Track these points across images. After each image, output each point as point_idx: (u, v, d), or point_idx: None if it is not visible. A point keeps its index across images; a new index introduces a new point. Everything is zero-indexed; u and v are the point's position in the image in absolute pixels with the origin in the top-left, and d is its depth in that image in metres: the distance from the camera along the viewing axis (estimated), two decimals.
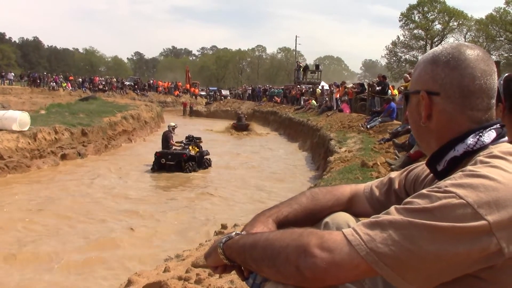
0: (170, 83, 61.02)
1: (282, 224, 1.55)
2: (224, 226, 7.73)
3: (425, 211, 1.11)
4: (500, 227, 1.08)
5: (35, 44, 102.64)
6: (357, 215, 1.60)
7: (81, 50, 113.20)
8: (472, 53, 1.30)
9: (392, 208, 1.17)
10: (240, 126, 32.29)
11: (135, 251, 8.54)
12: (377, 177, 6.59)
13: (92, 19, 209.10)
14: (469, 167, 1.18)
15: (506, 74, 2.55)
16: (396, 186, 1.59)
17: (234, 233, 1.41)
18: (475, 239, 1.07)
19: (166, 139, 17.24)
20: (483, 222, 1.07)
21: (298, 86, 41.88)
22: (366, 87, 22.82)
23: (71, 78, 54.84)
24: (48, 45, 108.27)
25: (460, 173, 1.17)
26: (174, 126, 17.88)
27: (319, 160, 17.21)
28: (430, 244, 1.08)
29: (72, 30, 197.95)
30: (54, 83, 48.58)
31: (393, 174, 1.66)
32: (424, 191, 1.17)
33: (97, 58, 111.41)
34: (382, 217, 1.16)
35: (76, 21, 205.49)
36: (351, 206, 1.64)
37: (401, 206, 1.16)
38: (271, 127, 34.58)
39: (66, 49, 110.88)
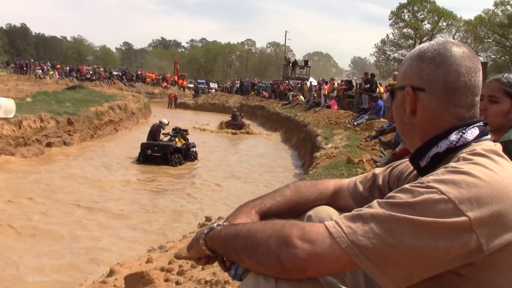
0: (158, 75, 60.68)
1: (265, 215, 1.55)
2: (208, 219, 7.75)
3: (407, 205, 1.12)
4: (480, 224, 1.09)
5: (23, 31, 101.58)
6: (340, 209, 1.60)
7: (69, 39, 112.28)
8: (458, 50, 1.30)
9: (375, 202, 1.18)
10: (234, 126, 28.79)
11: (118, 241, 8.51)
12: (362, 174, 6.62)
13: (81, 8, 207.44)
14: (452, 164, 1.20)
15: (501, 75, 2.57)
16: (380, 182, 1.59)
17: (216, 224, 1.40)
18: (455, 235, 1.09)
19: (156, 131, 17.14)
20: (463, 218, 1.08)
21: (287, 81, 41.89)
22: (354, 84, 22.91)
23: (58, 66, 54.28)
24: (35, 32, 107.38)
25: (443, 169, 1.18)
26: (166, 124, 17.86)
27: (305, 155, 17.25)
28: (411, 238, 1.09)
29: (61, 18, 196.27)
30: (41, 71, 48.07)
31: (377, 170, 1.66)
32: (406, 186, 1.18)
33: (85, 47, 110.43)
34: (365, 210, 1.17)
35: (65, 9, 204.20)
36: (335, 200, 1.64)
37: (384, 200, 1.17)
38: (258, 121, 34.41)
39: (54, 37, 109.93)
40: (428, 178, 1.17)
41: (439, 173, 1.17)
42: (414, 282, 1.15)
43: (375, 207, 1.16)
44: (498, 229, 1.11)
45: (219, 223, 1.41)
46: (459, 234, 1.08)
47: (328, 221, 1.21)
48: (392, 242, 1.10)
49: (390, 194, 1.19)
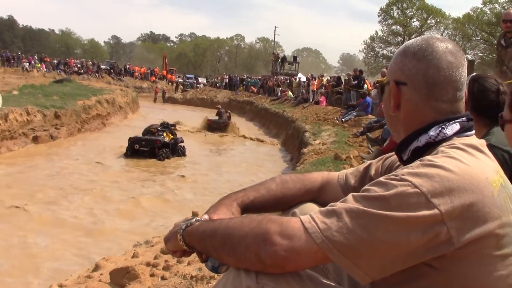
0: (146, 69, 60.41)
1: (247, 208, 1.55)
2: (195, 214, 7.71)
3: (381, 199, 1.14)
4: (451, 217, 1.11)
5: (10, 23, 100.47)
6: (329, 203, 1.59)
7: (57, 31, 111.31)
8: (440, 45, 1.32)
9: (350, 196, 1.19)
10: (217, 125, 25.06)
11: (104, 236, 8.48)
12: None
13: (70, 0, 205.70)
14: (428, 157, 1.21)
15: (473, 74, 2.58)
16: (373, 172, 1.60)
17: (194, 219, 1.40)
18: (427, 228, 1.11)
19: (150, 127, 17.27)
20: (435, 211, 1.10)
21: (276, 77, 41.86)
22: (343, 80, 22.97)
23: (46, 59, 53.72)
24: (23, 25, 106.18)
25: (418, 162, 1.20)
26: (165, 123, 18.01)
27: (293, 151, 17.28)
28: (384, 233, 1.11)
29: (49, 11, 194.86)
30: (28, 64, 47.64)
31: (371, 161, 1.67)
32: (381, 178, 1.20)
33: (73, 40, 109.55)
34: (339, 205, 1.18)
35: (52, 1, 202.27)
36: (322, 194, 1.63)
37: (359, 193, 1.19)
38: (247, 117, 34.33)
39: (41, 30, 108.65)
40: (403, 170, 1.19)
41: (414, 166, 1.19)
42: (387, 274, 1.16)
43: (350, 202, 1.18)
44: (469, 223, 1.13)
45: (197, 218, 1.41)
46: (431, 227, 1.11)
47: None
48: (366, 237, 1.11)
49: (366, 187, 1.21)
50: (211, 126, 25.02)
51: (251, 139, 23.33)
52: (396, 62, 1.38)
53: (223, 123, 25.18)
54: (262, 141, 22.84)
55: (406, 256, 1.13)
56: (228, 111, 27.20)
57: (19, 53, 56.28)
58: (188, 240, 1.36)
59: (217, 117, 25.88)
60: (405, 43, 1.41)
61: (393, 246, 1.11)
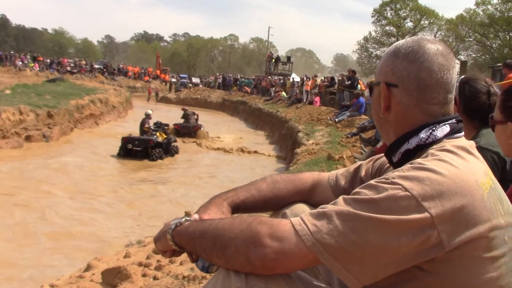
0: (140, 69, 60.27)
1: (238, 208, 1.54)
2: (188, 214, 7.70)
3: (372, 202, 1.13)
4: (442, 221, 1.10)
5: (2, 22, 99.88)
6: (319, 204, 1.58)
7: (50, 31, 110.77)
8: (432, 47, 1.31)
9: (341, 198, 1.18)
10: (186, 129, 22.26)
11: (95, 235, 8.45)
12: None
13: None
14: (418, 160, 1.21)
15: (462, 77, 2.58)
16: (363, 173, 1.59)
17: (184, 218, 1.39)
18: (417, 232, 1.10)
19: (143, 124, 17.22)
20: (426, 214, 1.10)
21: (269, 77, 41.85)
22: (337, 81, 23.02)
23: (39, 58, 53.42)
24: (16, 24, 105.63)
25: (409, 165, 1.19)
26: (151, 113, 18.05)
27: (287, 151, 17.29)
28: (374, 236, 1.10)
29: (42, 10, 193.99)
30: (21, 63, 47.42)
31: (361, 163, 1.66)
32: (372, 181, 1.19)
33: (67, 40, 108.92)
34: (329, 207, 1.17)
35: (46, 0, 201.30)
36: (313, 195, 1.62)
37: (350, 196, 1.18)
38: (240, 117, 34.29)
39: (34, 29, 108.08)
40: (394, 174, 1.18)
41: (405, 169, 1.18)
42: (378, 279, 1.16)
43: (340, 204, 1.16)
44: (460, 226, 1.12)
45: (187, 218, 1.39)
46: (421, 231, 1.10)
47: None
48: (356, 240, 1.10)
49: (357, 189, 1.19)
50: (180, 132, 22.00)
51: (230, 150, 19.64)
52: (387, 63, 1.36)
53: (193, 128, 22.52)
54: (250, 152, 19.35)
55: (397, 260, 1.12)
56: (196, 113, 24.25)
57: (12, 52, 55.87)
58: (177, 240, 1.35)
59: (183, 120, 23.21)
60: (395, 44, 1.38)
61: (383, 250, 1.10)
